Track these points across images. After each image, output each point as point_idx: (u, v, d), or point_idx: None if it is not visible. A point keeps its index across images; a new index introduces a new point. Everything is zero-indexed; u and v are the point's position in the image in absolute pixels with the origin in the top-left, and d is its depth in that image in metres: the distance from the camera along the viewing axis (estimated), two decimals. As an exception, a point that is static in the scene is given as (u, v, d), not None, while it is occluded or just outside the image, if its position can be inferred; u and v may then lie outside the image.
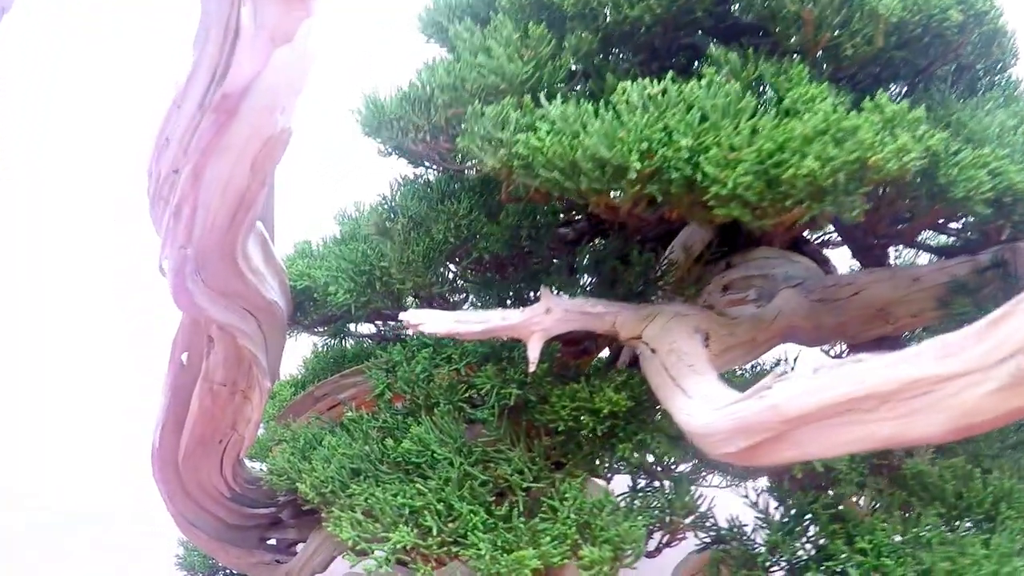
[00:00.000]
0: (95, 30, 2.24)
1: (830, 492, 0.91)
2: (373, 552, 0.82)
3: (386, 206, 1.07)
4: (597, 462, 0.89)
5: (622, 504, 0.85)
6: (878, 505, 0.91)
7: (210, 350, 1.05)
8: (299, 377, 1.34)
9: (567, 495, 0.83)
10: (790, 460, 0.66)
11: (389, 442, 0.90)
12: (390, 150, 1.06)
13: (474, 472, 0.87)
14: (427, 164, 1.09)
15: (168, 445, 1.17)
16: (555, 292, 0.87)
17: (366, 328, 1.31)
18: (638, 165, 0.77)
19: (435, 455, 0.88)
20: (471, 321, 0.83)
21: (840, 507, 0.89)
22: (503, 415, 0.91)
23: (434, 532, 0.80)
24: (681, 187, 0.79)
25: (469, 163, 1.04)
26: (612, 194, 0.83)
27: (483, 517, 0.82)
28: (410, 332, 0.81)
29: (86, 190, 2.28)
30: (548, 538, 0.80)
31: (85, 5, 2.24)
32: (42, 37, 2.29)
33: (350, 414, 0.99)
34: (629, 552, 0.80)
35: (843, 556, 0.83)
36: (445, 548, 0.79)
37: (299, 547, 1.36)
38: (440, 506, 0.82)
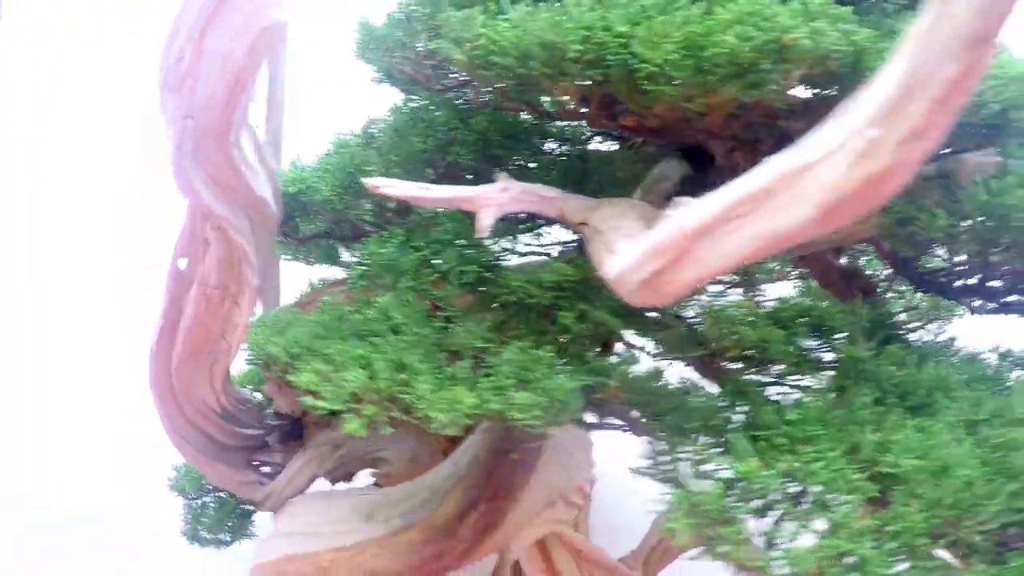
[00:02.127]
0: (95, 30, 2.31)
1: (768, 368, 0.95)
2: (328, 399, 0.89)
3: (374, 124, 1.18)
4: (542, 332, 0.95)
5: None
6: (813, 387, 0.95)
7: (205, 253, 1.16)
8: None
9: (509, 356, 0.89)
10: (692, 281, 0.73)
11: (358, 315, 0.98)
12: (382, 76, 1.18)
13: (429, 336, 0.94)
14: (415, 92, 1.21)
15: (164, 353, 1.26)
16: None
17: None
18: (579, 47, 0.87)
19: (396, 323, 0.96)
20: (432, 189, 0.92)
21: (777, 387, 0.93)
22: (462, 292, 0.99)
23: (384, 376, 0.87)
24: (619, 70, 0.88)
25: (453, 83, 1.15)
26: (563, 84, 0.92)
27: (431, 366, 0.88)
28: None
29: (86, 190, 2.31)
30: (487, 386, 0.86)
31: (85, 5, 2.33)
32: (42, 37, 2.35)
33: (327, 298, 1.08)
34: (561, 405, 0.86)
35: (771, 427, 0.87)
36: (393, 389, 0.86)
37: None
38: (393, 358, 0.89)
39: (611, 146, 1.51)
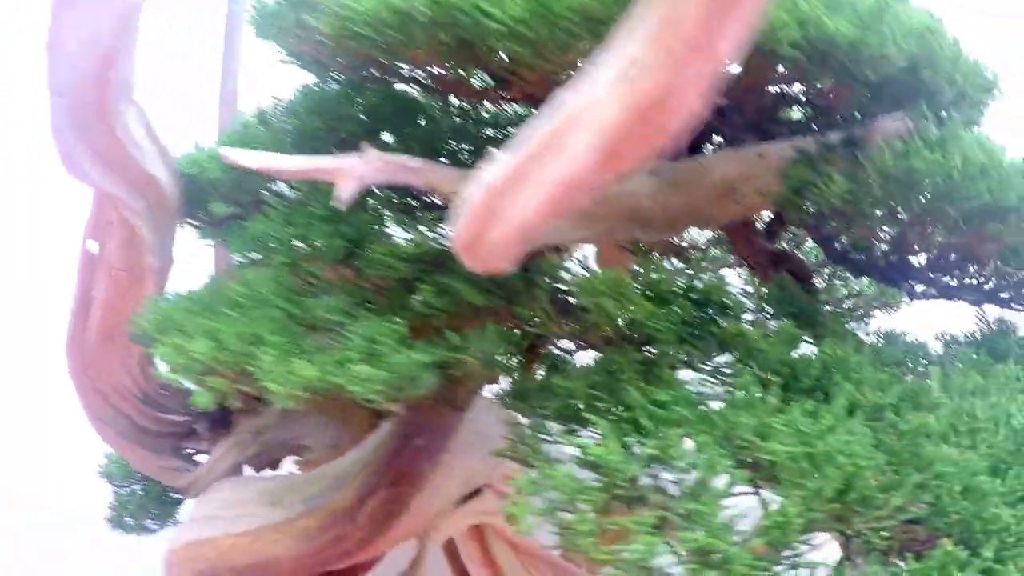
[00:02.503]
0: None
1: (647, 351, 0.89)
2: (179, 372, 0.88)
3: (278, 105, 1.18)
4: (403, 307, 0.91)
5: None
6: (698, 365, 0.88)
7: (111, 235, 1.17)
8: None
9: (360, 330, 0.86)
10: (503, 240, 0.68)
11: (225, 288, 0.97)
12: (287, 56, 1.17)
13: (290, 310, 0.92)
14: (319, 73, 1.20)
15: (78, 337, 1.28)
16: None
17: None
18: (427, 11, 0.84)
19: (261, 297, 0.94)
20: (287, 160, 0.90)
21: (655, 367, 0.87)
22: (331, 266, 0.97)
23: (232, 347, 0.85)
24: (470, 30, 0.85)
25: (352, 61, 1.13)
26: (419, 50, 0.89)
27: (284, 340, 0.86)
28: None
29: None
30: (330, 359, 0.83)
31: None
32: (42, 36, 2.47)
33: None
34: (407, 381, 0.82)
35: (638, 406, 0.81)
36: (240, 360, 0.84)
37: (212, 458, 1.42)
38: (243, 330, 0.87)
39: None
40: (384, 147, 1.11)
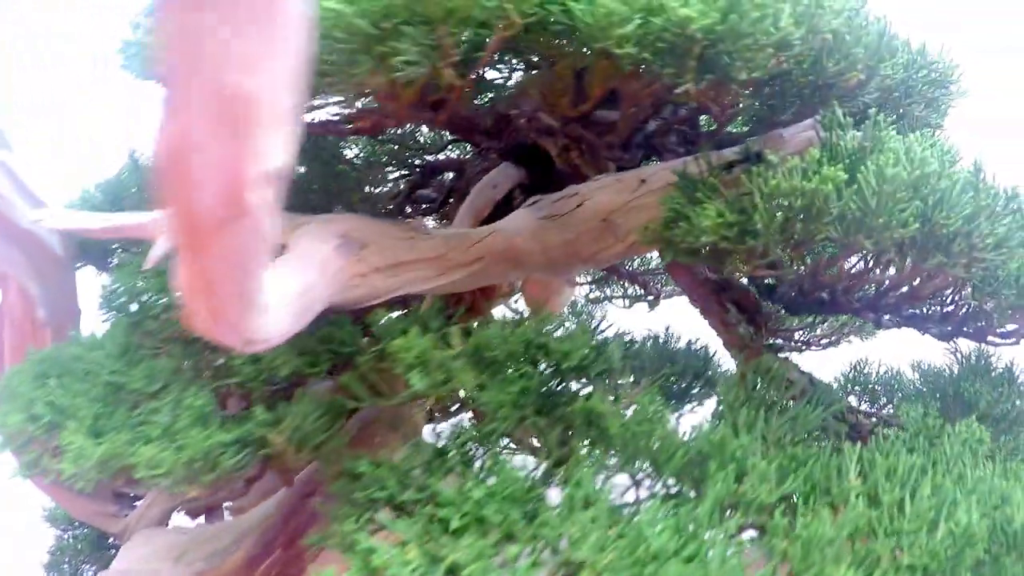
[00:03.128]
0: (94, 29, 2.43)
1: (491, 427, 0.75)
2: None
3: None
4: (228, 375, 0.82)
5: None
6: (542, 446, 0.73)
7: (8, 286, 1.16)
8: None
9: (166, 403, 0.78)
10: (227, 314, 0.57)
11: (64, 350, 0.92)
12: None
13: (112, 378, 0.85)
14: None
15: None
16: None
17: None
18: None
19: (93, 359, 0.88)
20: (100, 219, 0.83)
21: (490, 443, 0.73)
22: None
23: (44, 419, 0.80)
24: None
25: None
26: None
27: (96, 411, 0.80)
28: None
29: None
30: (125, 437, 0.76)
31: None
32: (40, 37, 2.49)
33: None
34: (202, 464, 0.73)
35: (449, 503, 0.67)
36: (49, 432, 0.79)
37: (151, 502, 1.40)
38: (56, 400, 0.81)
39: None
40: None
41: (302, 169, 1.26)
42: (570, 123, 0.96)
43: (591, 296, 1.73)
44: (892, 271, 0.81)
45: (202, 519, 1.40)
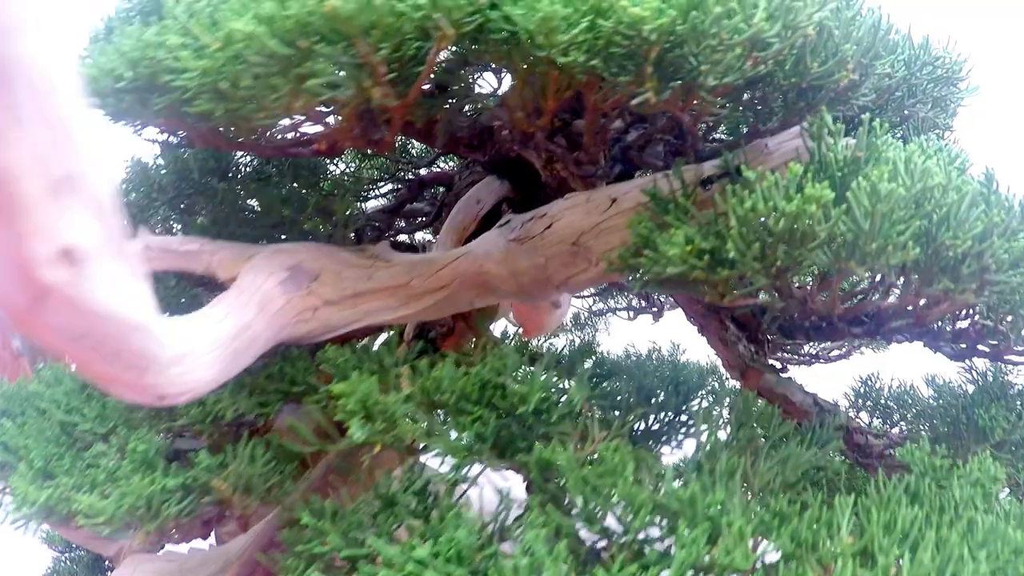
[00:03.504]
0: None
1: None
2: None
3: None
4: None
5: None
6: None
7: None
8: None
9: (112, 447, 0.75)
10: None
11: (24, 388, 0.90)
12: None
13: (66, 419, 0.82)
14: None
15: None
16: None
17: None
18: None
19: (50, 397, 0.86)
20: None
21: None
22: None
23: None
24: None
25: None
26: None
27: (47, 453, 0.77)
28: None
29: None
30: (70, 482, 0.72)
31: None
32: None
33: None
34: (142, 512, 0.69)
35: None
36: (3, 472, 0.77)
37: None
38: (16, 441, 0.79)
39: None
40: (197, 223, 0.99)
41: (283, 189, 1.22)
42: (554, 135, 0.89)
43: (594, 308, 1.66)
44: (892, 298, 0.73)
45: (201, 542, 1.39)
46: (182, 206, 0.97)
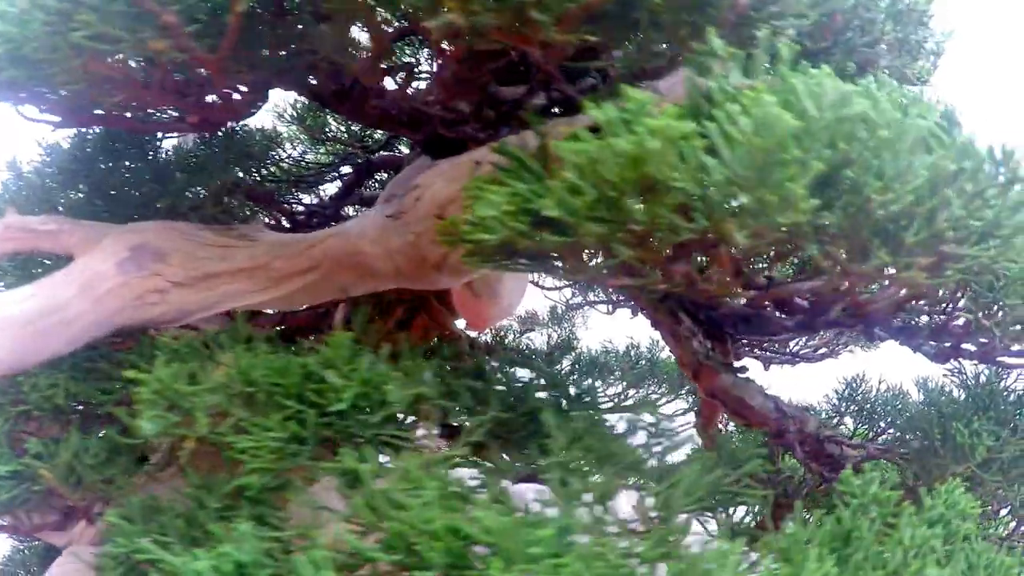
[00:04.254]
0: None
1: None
2: None
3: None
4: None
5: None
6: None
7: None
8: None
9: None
10: None
11: None
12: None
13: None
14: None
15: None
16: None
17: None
18: None
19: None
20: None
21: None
22: None
23: None
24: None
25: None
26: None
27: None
28: None
29: None
30: None
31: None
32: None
33: None
34: None
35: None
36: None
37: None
38: None
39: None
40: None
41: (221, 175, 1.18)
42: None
43: (571, 302, 1.55)
44: (819, 280, 0.60)
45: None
46: (110, 192, 0.94)
